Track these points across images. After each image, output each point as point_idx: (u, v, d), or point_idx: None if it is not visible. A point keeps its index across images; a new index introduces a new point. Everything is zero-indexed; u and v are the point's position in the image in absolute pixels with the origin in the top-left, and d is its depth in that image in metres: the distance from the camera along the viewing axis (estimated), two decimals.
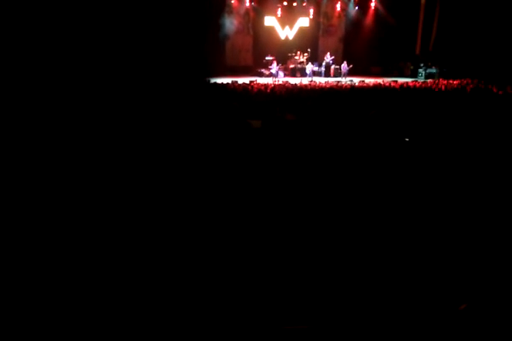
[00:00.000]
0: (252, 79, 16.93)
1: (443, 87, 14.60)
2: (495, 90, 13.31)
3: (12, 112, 7.35)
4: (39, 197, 4.51)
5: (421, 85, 15.35)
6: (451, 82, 16.73)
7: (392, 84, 15.43)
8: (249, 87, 13.22)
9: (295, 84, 15.13)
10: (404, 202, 4.52)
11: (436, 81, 17.24)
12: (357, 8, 21.73)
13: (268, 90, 12.67)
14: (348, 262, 3.59)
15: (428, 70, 19.80)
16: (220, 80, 15.76)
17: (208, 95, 11.39)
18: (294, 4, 20.99)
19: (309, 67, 19.33)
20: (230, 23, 20.62)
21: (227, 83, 14.64)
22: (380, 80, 17.29)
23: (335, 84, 15.53)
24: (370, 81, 16.91)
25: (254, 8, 20.97)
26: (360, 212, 4.34)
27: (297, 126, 7.72)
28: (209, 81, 15.02)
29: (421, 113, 9.05)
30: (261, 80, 16.87)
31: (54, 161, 5.45)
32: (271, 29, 21.54)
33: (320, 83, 15.97)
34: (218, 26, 19.97)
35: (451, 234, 3.88)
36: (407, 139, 6.76)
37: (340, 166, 5.59)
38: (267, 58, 19.99)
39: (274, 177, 5.16)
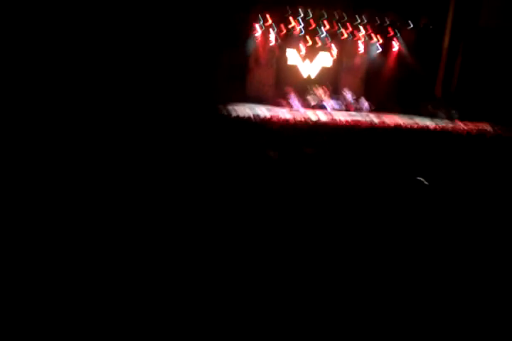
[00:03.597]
0: (272, 109, 17.16)
1: (462, 131, 14.62)
2: None
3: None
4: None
5: (441, 128, 15.39)
6: (470, 126, 16.75)
7: (413, 126, 15.48)
8: (270, 121, 13.39)
9: (314, 118, 15.28)
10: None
11: (456, 124, 17.25)
12: (379, 48, 22.07)
13: (288, 124, 12.82)
14: None
15: (448, 113, 19.84)
16: (239, 107, 16.00)
17: (227, 125, 11.49)
18: (319, 44, 21.39)
19: (329, 103, 19.54)
20: (254, 56, 21.11)
21: (249, 117, 14.78)
22: (399, 120, 17.40)
23: (354, 121, 15.65)
24: (389, 120, 17.02)
25: (278, 45, 21.40)
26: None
27: (315, 159, 7.76)
28: (227, 109, 15.16)
29: (439, 156, 9.04)
30: (281, 113, 17.04)
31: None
32: (294, 66, 21.91)
33: (340, 120, 16.10)
34: (241, 56, 20.39)
35: None
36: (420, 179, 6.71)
37: (353, 201, 5.60)
38: (287, 92, 20.26)
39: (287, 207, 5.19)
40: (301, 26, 20.72)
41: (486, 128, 16.22)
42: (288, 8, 20.37)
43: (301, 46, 21.38)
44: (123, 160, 6.57)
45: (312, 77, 21.94)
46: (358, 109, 19.74)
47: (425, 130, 14.27)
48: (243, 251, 4.03)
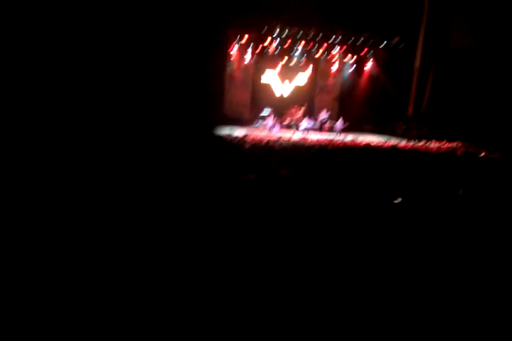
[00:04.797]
0: (248, 131, 17.24)
1: (433, 149, 14.97)
2: (484, 154, 13.68)
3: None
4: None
5: (412, 146, 15.72)
6: (442, 144, 17.15)
7: (383, 144, 15.78)
8: (244, 141, 13.47)
9: (289, 138, 15.44)
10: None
11: (427, 143, 17.65)
12: (353, 68, 22.53)
13: (262, 144, 12.91)
14: None
15: (419, 132, 20.24)
16: (217, 130, 15.97)
17: (208, 147, 11.52)
18: (293, 62, 21.73)
19: (304, 123, 19.80)
20: (230, 76, 21.28)
21: (222, 136, 14.82)
22: (372, 138, 17.72)
23: (328, 140, 15.86)
24: (362, 139, 17.30)
25: (253, 65, 21.66)
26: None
27: (292, 181, 7.85)
28: (207, 134, 15.09)
29: (411, 174, 9.24)
30: (256, 133, 17.12)
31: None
32: (268, 85, 22.20)
33: (313, 139, 16.30)
34: (217, 78, 20.44)
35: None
36: (398, 200, 6.88)
37: (332, 224, 5.68)
38: (263, 113, 20.46)
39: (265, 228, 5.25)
40: (276, 43, 21.03)
41: (456, 147, 16.63)
42: (264, 26, 20.61)
43: (276, 65, 21.73)
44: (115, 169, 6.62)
45: (285, 95, 22.30)
46: (332, 130, 20.06)
47: (395, 148, 14.56)
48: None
